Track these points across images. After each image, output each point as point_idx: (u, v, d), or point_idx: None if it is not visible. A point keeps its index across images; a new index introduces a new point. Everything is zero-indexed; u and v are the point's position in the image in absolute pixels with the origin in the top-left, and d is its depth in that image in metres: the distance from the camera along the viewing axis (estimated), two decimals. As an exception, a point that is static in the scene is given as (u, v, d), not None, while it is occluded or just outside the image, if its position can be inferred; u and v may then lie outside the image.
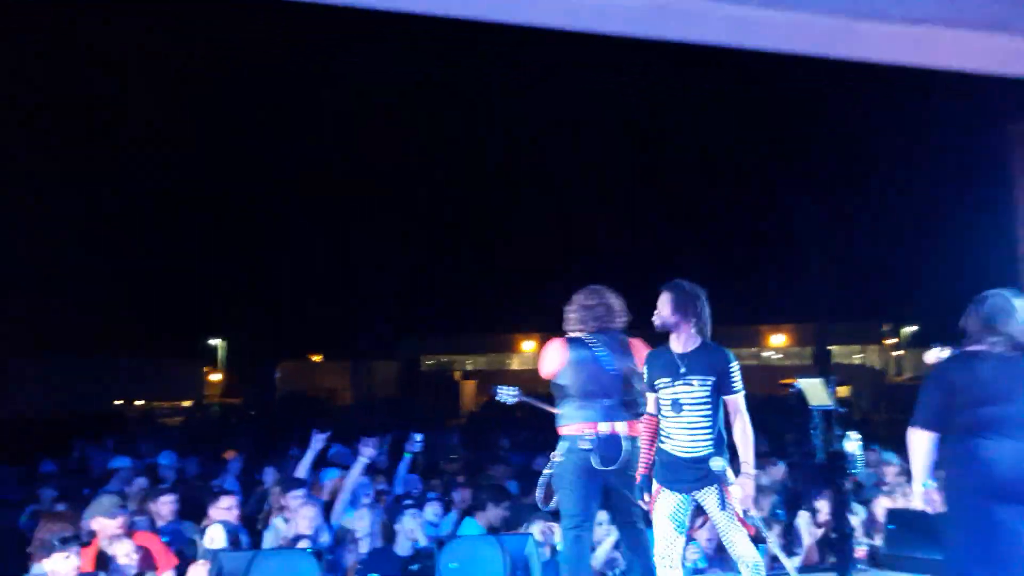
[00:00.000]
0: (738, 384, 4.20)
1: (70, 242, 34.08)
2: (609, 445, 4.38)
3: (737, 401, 4.18)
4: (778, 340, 41.27)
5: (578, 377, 4.47)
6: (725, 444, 4.13)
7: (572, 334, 4.63)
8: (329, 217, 35.69)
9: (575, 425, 4.43)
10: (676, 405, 4.12)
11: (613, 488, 4.43)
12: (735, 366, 4.23)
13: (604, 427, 4.39)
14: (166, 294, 38.08)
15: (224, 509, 5.98)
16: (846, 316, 35.80)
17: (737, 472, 4.09)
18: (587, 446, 4.36)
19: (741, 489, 4.06)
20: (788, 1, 5.86)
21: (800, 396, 4.79)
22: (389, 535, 5.97)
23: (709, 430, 4.13)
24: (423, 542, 5.71)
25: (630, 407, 4.44)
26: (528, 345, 41.57)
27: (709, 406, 4.14)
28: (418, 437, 7.51)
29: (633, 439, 4.42)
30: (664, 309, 4.28)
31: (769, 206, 34.58)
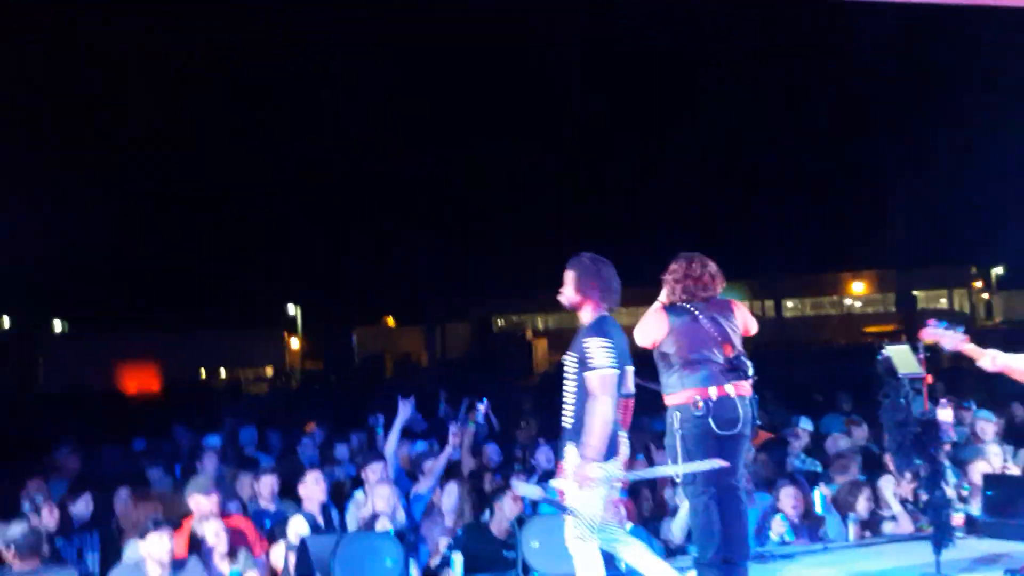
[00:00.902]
0: (594, 360, 4.01)
1: (147, 219, 35.12)
2: (724, 408, 4.32)
3: (589, 380, 4.01)
4: (859, 287, 40.13)
5: (683, 344, 4.41)
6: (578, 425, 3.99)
7: (672, 301, 4.55)
8: (398, 183, 35.90)
9: (685, 392, 4.37)
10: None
11: (727, 452, 4.34)
12: (591, 342, 4.06)
13: (713, 391, 4.33)
14: (243, 263, 39.01)
15: (312, 484, 6.10)
16: (930, 260, 34.60)
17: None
18: (701, 412, 4.30)
19: (566, 485, 3.94)
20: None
21: (888, 364, 4.60)
22: (476, 508, 5.96)
23: (571, 410, 4.07)
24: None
25: (737, 369, 4.37)
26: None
27: (573, 384, 4.09)
28: (481, 407, 7.42)
29: (744, 399, 4.37)
30: (567, 287, 4.25)
31: (845, 149, 33.42)
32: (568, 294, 4.26)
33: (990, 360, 4.19)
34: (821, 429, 8.59)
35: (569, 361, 4.19)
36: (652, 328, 4.49)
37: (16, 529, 5.11)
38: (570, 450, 4.07)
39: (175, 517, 5.63)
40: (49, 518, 5.79)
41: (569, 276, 4.29)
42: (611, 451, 4.10)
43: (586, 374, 4.05)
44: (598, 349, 4.06)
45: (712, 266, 4.63)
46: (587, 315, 4.25)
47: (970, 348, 4.26)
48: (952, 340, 4.27)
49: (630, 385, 4.25)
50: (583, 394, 4.06)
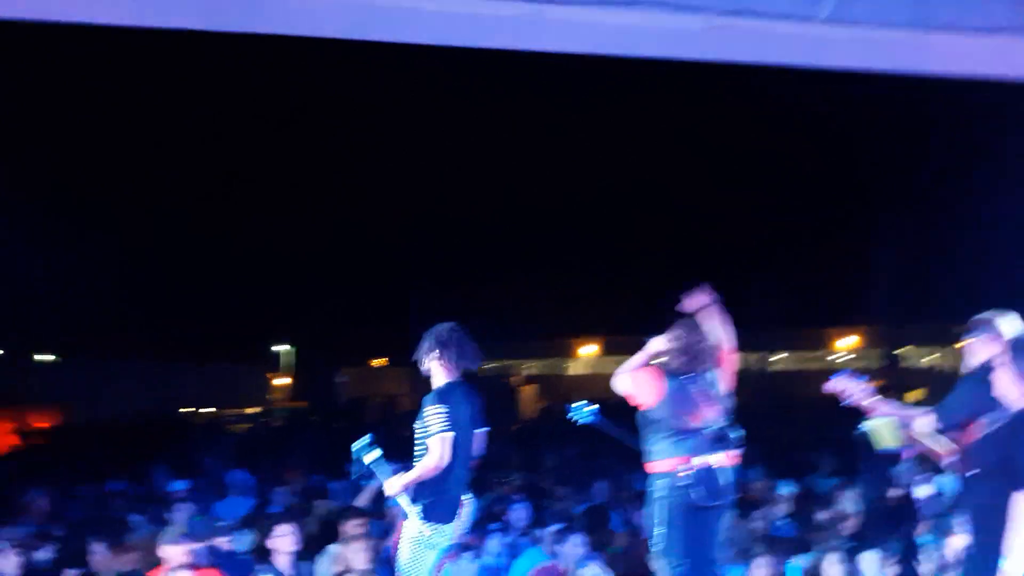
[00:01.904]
0: (430, 428, 4.41)
1: (136, 249, 35.02)
2: (709, 479, 4.32)
3: (429, 444, 4.39)
4: (845, 343, 40.24)
5: (674, 412, 4.41)
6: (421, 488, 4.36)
7: (668, 368, 4.58)
8: (387, 223, 36.03)
9: (671, 460, 4.36)
10: None
11: (708, 522, 4.39)
12: (428, 410, 4.45)
13: (699, 461, 4.31)
14: (231, 301, 38.86)
15: (282, 537, 6.01)
16: (917, 317, 34.72)
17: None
18: (686, 482, 4.28)
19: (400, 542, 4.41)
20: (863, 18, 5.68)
21: (866, 439, 4.59)
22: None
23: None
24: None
25: (724, 439, 4.37)
26: (586, 350, 41.34)
27: (422, 449, 4.44)
28: None
29: (727, 470, 4.36)
30: (420, 356, 4.65)
31: (834, 204, 33.76)
32: (422, 363, 4.63)
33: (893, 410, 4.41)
34: (816, 490, 8.49)
35: (418, 428, 4.49)
36: (647, 390, 4.50)
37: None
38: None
39: (149, 566, 5.56)
40: (8, 565, 5.67)
41: (423, 346, 4.64)
42: (449, 514, 4.36)
43: (427, 440, 4.38)
44: (433, 416, 4.41)
45: (708, 338, 4.67)
46: (437, 382, 4.59)
47: (870, 403, 4.36)
48: (855, 392, 4.39)
49: (478, 447, 4.59)
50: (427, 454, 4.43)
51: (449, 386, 4.53)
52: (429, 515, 4.36)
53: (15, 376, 32.39)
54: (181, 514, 7.17)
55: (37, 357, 38.45)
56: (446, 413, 4.39)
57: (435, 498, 4.38)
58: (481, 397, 4.61)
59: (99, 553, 5.84)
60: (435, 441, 4.34)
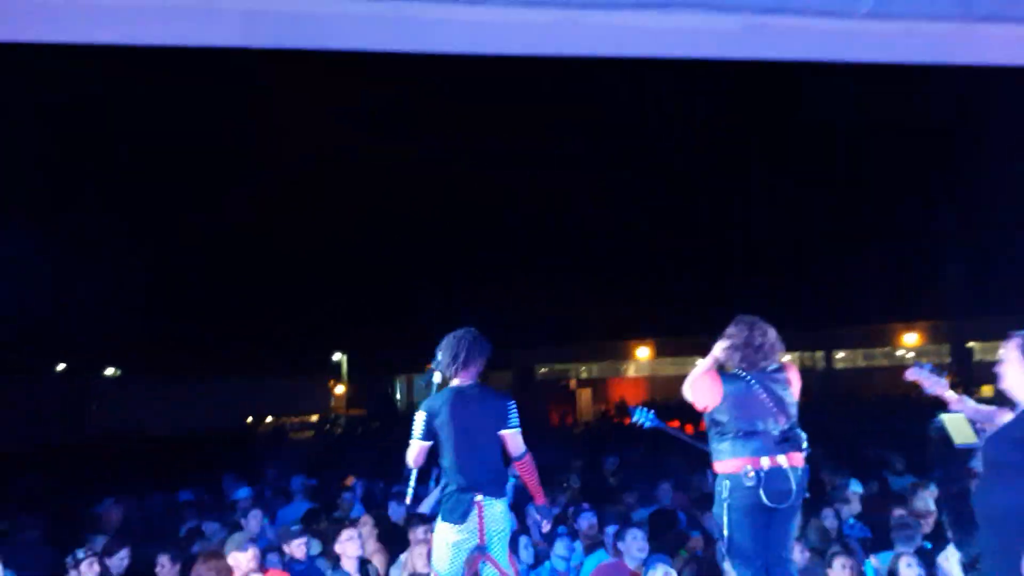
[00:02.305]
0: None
1: (196, 267, 35.82)
2: (776, 479, 4.25)
3: None
4: (912, 339, 39.24)
5: (737, 413, 4.35)
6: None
7: (728, 367, 4.52)
8: (442, 228, 36.28)
9: (736, 461, 4.31)
10: None
11: (777, 523, 4.30)
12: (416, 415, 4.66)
13: (766, 462, 4.26)
14: (289, 313, 39.52)
15: (347, 541, 6.07)
16: (986, 310, 33.71)
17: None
18: (752, 483, 4.23)
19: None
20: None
21: (942, 433, 4.44)
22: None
23: None
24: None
25: (791, 440, 4.30)
26: (642, 352, 41.05)
27: None
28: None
29: (796, 470, 4.30)
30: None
31: (898, 198, 32.97)
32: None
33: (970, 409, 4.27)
34: (893, 488, 8.27)
35: None
36: (705, 393, 4.42)
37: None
38: None
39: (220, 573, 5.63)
40: (88, 572, 5.83)
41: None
42: (458, 514, 4.48)
43: None
44: (414, 422, 4.64)
45: (772, 334, 4.56)
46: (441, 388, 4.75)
47: (949, 395, 4.28)
48: (932, 385, 4.34)
49: (510, 447, 4.62)
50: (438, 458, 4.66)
51: (439, 393, 4.63)
52: (442, 515, 4.58)
53: (83, 391, 33.34)
54: (250, 521, 7.28)
55: (107, 372, 39.57)
56: (422, 420, 4.58)
57: (443, 498, 4.59)
58: (505, 399, 4.65)
59: (164, 566, 5.93)
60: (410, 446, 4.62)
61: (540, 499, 4.72)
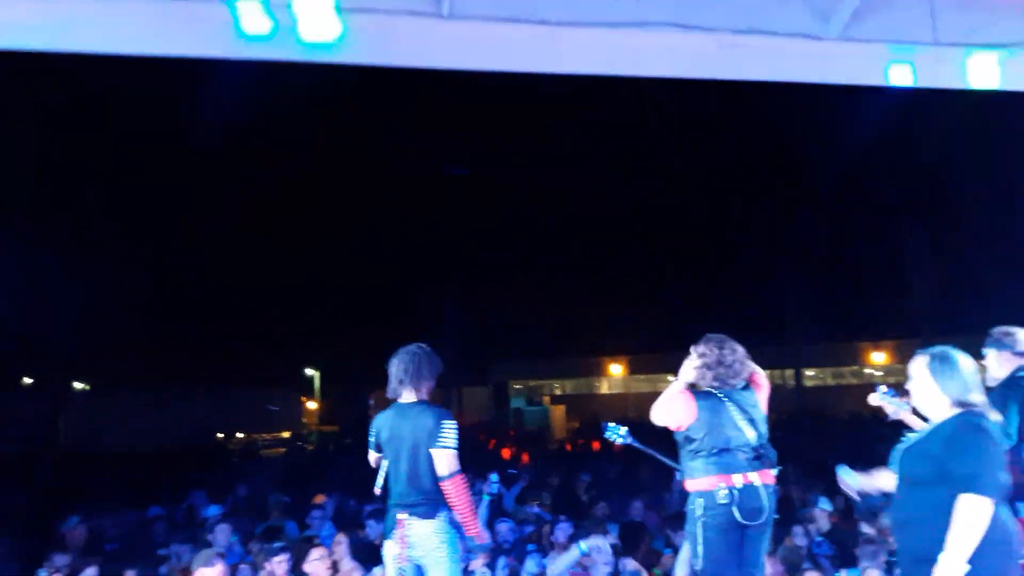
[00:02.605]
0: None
1: (166, 280, 35.48)
2: (749, 497, 4.30)
3: None
4: (879, 358, 39.75)
5: (710, 430, 4.38)
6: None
7: (700, 386, 4.57)
8: (416, 246, 36.25)
9: (709, 479, 4.33)
10: None
11: (749, 541, 4.35)
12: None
13: (739, 479, 4.30)
14: (261, 327, 39.21)
15: (317, 561, 6.05)
16: (951, 330, 34.21)
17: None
18: (726, 500, 4.27)
19: None
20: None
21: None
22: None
23: None
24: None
25: (763, 458, 4.35)
26: (615, 368, 41.20)
27: None
28: (494, 478, 7.38)
29: (768, 488, 4.36)
30: None
31: (865, 220, 33.47)
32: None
33: None
34: (856, 505, 8.38)
35: None
36: (680, 412, 4.45)
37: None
38: None
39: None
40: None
41: None
42: (388, 530, 4.56)
43: None
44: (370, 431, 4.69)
45: (740, 351, 4.62)
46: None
47: (912, 420, 4.37)
48: (894, 411, 4.49)
49: (438, 466, 4.49)
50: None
51: (387, 409, 4.63)
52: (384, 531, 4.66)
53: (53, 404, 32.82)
54: (217, 535, 7.23)
55: (76, 385, 38.99)
56: (372, 432, 4.64)
57: (385, 515, 4.65)
58: (440, 417, 4.47)
59: None
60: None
61: (470, 529, 4.44)
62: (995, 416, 3.64)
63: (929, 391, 3.62)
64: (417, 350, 4.64)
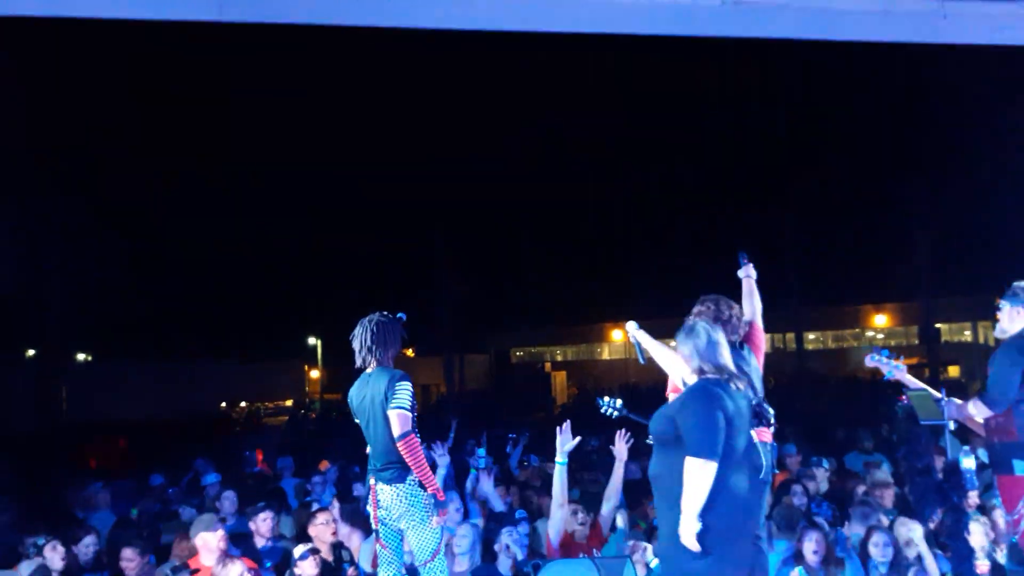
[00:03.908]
0: None
1: (171, 251, 35.46)
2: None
3: None
4: (881, 320, 39.77)
5: None
6: None
7: None
8: (415, 214, 36.16)
9: None
10: None
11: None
12: None
13: None
14: (263, 297, 39.25)
15: (322, 524, 6.09)
16: (954, 291, 34.21)
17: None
18: None
19: None
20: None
21: (909, 411, 4.55)
22: (485, 552, 5.92)
23: None
24: (520, 557, 5.66)
25: (760, 416, 4.34)
26: (616, 335, 41.27)
27: None
28: (481, 451, 7.42)
29: (766, 446, 4.35)
30: None
31: (867, 181, 33.31)
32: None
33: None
34: (847, 466, 8.46)
35: None
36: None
37: (25, 569, 5.13)
38: None
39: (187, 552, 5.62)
40: (55, 557, 5.79)
41: None
42: (365, 497, 4.62)
43: None
44: None
45: (737, 308, 4.63)
46: None
47: (908, 379, 4.50)
48: (890, 371, 4.57)
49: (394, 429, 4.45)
50: None
51: (356, 381, 4.63)
52: None
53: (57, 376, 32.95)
54: (223, 503, 7.28)
55: (79, 357, 39.14)
56: (349, 403, 4.62)
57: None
58: (394, 379, 4.44)
59: (132, 560, 5.68)
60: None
61: (428, 487, 4.39)
62: (739, 385, 3.88)
63: (677, 359, 3.96)
64: (380, 318, 4.61)
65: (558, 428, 5.34)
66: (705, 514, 3.64)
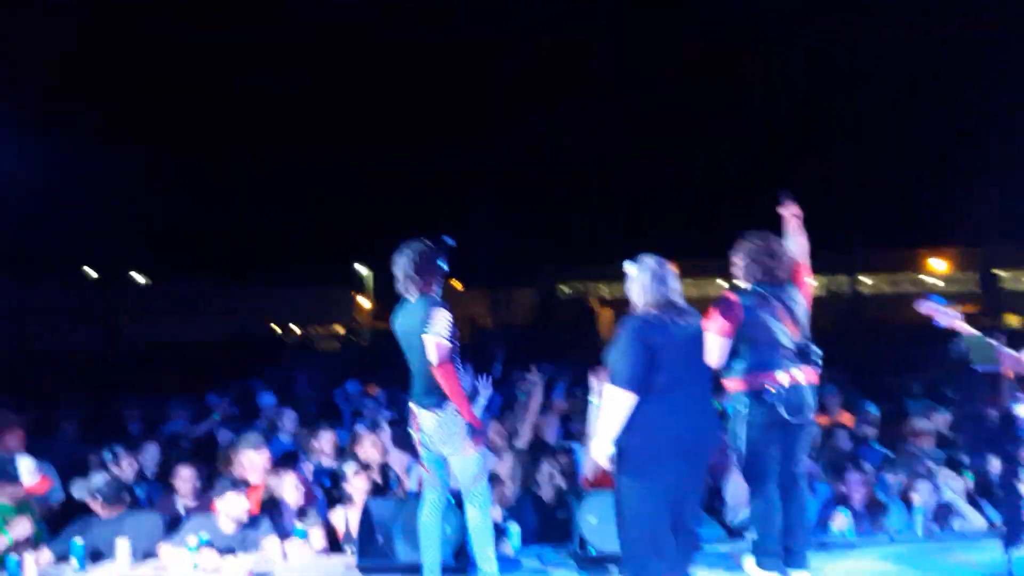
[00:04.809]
0: None
1: (224, 177, 35.90)
2: (793, 395, 4.30)
3: None
4: (939, 265, 38.78)
5: (755, 330, 4.34)
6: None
7: (741, 284, 4.51)
8: (465, 148, 35.98)
9: (753, 377, 4.32)
10: None
11: (791, 439, 4.37)
12: None
13: (784, 377, 4.29)
14: (316, 222, 39.66)
15: (369, 447, 6.25)
16: (1015, 237, 33.15)
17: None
18: (771, 398, 4.27)
19: None
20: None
21: (963, 356, 4.45)
22: (529, 479, 6.02)
23: None
24: (564, 486, 5.74)
25: (805, 355, 4.32)
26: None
27: None
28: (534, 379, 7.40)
29: (812, 387, 4.36)
30: None
31: (925, 123, 32.15)
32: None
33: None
34: (906, 411, 8.34)
35: None
36: (725, 319, 4.31)
37: (99, 479, 5.37)
38: None
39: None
40: (127, 468, 6.06)
41: None
42: (410, 421, 4.61)
43: None
44: None
45: (783, 245, 4.57)
46: None
47: (961, 327, 4.41)
48: (944, 317, 4.46)
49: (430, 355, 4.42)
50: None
51: (397, 306, 4.61)
52: None
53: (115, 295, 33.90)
54: (286, 423, 7.47)
55: (133, 275, 40.10)
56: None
57: None
58: (432, 307, 4.41)
59: (187, 480, 5.69)
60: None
61: (464, 414, 4.40)
62: (686, 319, 4.08)
63: (631, 294, 4.24)
64: (422, 246, 4.59)
65: (589, 370, 5.34)
66: (622, 439, 3.94)
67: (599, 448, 4.03)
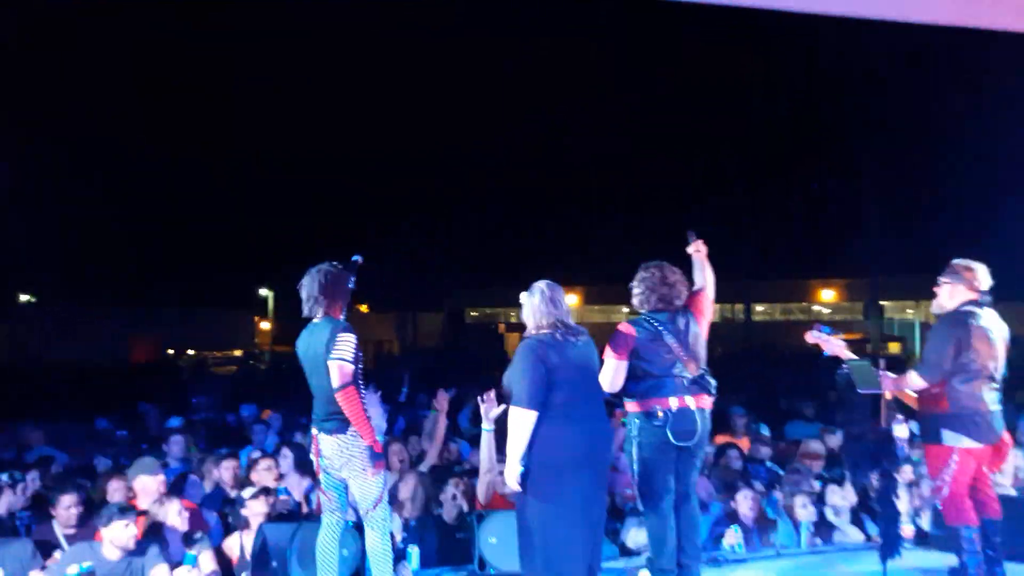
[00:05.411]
0: None
1: (126, 195, 34.69)
2: (683, 420, 4.44)
3: None
4: (828, 295, 40.56)
5: (649, 357, 4.49)
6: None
7: (646, 308, 4.66)
8: (375, 170, 35.78)
9: (646, 401, 4.47)
10: None
11: (683, 461, 4.51)
12: None
13: (674, 402, 4.44)
14: (217, 245, 38.66)
15: (264, 471, 6.12)
16: (899, 270, 34.97)
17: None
18: (660, 421, 4.41)
19: None
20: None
21: (847, 379, 4.69)
22: (431, 501, 5.99)
23: None
24: (466, 508, 5.74)
25: (699, 382, 4.47)
26: (570, 299, 41.47)
27: None
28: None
29: (703, 412, 4.51)
30: None
31: (817, 157, 33.73)
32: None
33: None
34: (786, 435, 8.75)
35: None
36: (620, 346, 4.52)
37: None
38: None
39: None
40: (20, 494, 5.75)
41: None
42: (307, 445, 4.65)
43: None
44: None
45: (680, 274, 4.73)
46: None
47: (847, 355, 4.72)
48: (830, 347, 4.76)
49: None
50: None
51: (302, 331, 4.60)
52: None
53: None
54: (174, 448, 7.25)
55: (23, 298, 38.24)
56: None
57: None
58: (335, 330, 4.35)
59: (69, 507, 5.32)
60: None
61: (365, 438, 4.32)
62: (578, 338, 4.20)
63: (525, 319, 4.35)
64: (329, 268, 4.55)
65: (479, 398, 5.35)
66: (527, 457, 4.02)
67: (509, 468, 4.06)
